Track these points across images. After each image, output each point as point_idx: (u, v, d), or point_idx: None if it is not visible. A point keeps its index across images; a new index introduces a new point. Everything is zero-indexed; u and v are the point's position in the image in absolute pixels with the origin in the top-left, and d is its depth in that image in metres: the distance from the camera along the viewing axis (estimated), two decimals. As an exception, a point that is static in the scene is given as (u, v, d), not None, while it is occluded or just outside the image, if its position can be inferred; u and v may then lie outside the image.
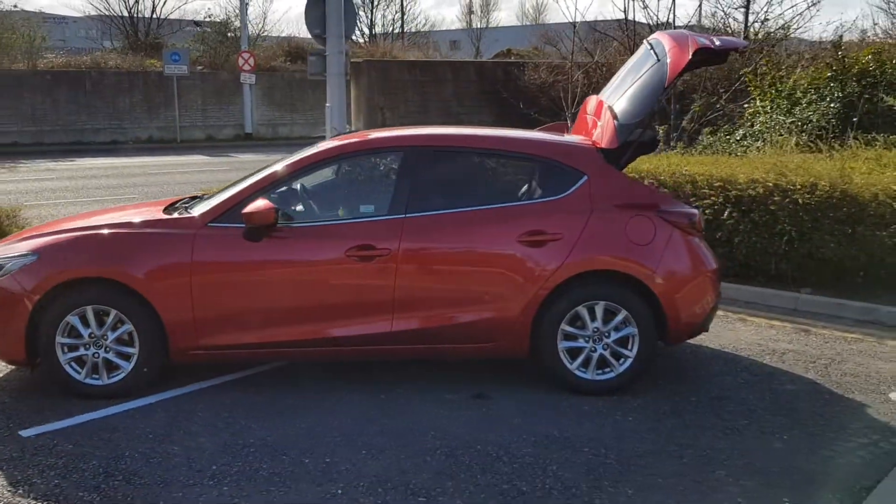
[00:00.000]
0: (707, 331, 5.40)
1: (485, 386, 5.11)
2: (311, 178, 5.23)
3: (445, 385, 5.11)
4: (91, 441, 4.33)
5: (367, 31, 44.47)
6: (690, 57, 4.93)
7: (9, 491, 3.81)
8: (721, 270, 5.35)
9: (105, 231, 4.96)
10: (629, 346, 4.97)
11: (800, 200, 7.04)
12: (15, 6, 32.91)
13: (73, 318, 4.78)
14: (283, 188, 5.08)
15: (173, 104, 25.53)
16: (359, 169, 5.57)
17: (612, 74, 6.35)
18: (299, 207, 5.22)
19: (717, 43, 5.05)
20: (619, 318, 4.94)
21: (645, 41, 5.36)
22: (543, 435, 4.44)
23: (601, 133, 5.22)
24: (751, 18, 14.81)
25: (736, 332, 6.40)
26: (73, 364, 4.84)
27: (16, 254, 4.90)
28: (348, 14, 10.86)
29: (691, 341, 6.06)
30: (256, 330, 4.89)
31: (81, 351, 4.82)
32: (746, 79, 12.34)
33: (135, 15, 35.51)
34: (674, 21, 12.87)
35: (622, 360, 4.99)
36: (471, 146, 5.30)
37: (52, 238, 4.99)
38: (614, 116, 5.14)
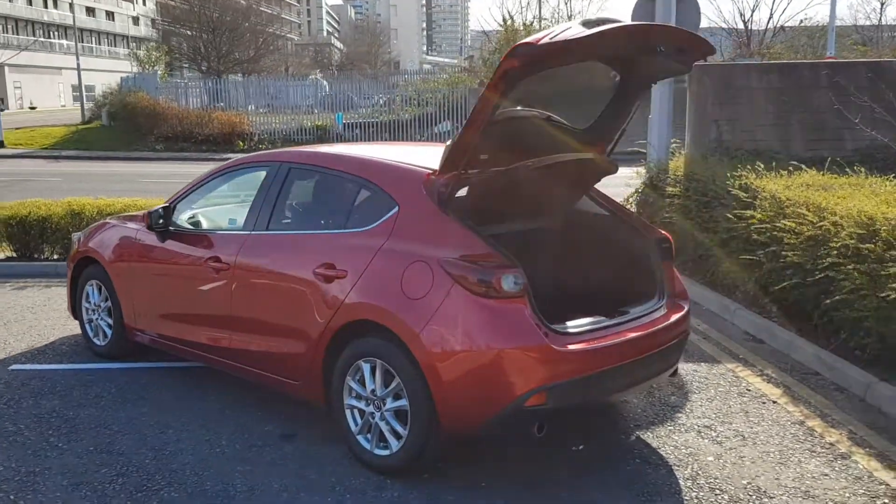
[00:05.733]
0: (538, 433, 3.75)
1: (313, 428, 4.58)
2: (219, 190, 5.38)
3: (281, 417, 4.76)
4: (35, 385, 5.32)
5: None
6: (513, 60, 3.55)
7: None
8: (563, 354, 3.70)
9: (110, 220, 6.00)
10: (406, 423, 3.91)
11: None
12: None
13: (88, 288, 5.95)
14: (187, 199, 5.35)
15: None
16: (247, 184, 5.44)
17: None
18: (199, 217, 5.41)
19: (548, 39, 3.49)
20: (395, 384, 3.92)
21: None
22: (227, 479, 3.93)
23: None
24: None
25: (793, 466, 4.14)
26: (90, 324, 6.02)
27: (78, 233, 6.33)
28: (686, 13, 9.58)
29: (676, 457, 4.33)
30: (157, 322, 5.35)
31: (92, 315, 5.96)
32: None
33: (749, 26, 35.24)
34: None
35: (400, 438, 3.95)
36: (318, 165, 4.68)
37: (95, 223, 6.25)
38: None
